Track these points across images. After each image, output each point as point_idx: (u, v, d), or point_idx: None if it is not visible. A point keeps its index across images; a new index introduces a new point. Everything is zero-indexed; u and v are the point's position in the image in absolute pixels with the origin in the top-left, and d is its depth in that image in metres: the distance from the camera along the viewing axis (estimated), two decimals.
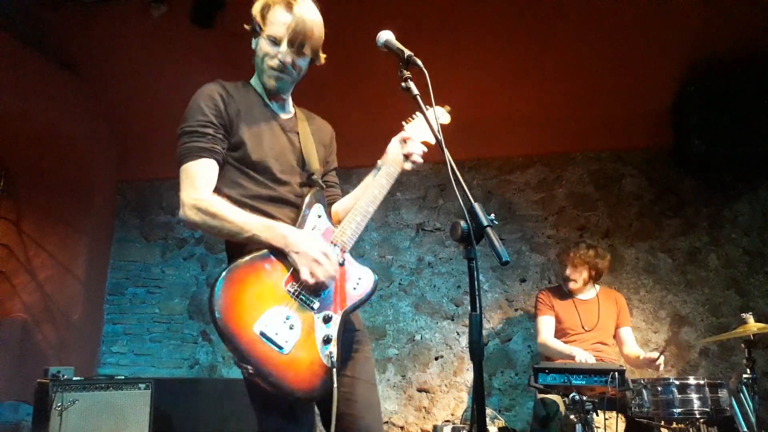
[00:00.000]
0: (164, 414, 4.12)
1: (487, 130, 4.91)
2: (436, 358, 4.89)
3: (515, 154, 5.11)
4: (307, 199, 1.89)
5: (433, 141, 2.07)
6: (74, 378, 3.82)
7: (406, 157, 2.04)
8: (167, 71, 5.06)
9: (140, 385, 3.99)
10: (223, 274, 1.66)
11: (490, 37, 4.51)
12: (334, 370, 1.66)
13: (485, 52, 4.59)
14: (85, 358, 5.18)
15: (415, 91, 1.73)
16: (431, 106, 1.71)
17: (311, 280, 1.71)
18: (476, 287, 1.51)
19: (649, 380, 3.22)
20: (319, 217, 1.89)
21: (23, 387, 4.65)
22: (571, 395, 3.03)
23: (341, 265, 1.81)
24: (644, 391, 3.19)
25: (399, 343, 4.97)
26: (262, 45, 1.91)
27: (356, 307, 1.82)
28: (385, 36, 1.82)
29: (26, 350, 4.99)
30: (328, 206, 2.01)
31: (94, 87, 5.31)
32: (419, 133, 2.09)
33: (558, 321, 4.08)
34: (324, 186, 2.01)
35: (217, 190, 1.81)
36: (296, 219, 1.85)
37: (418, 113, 2.08)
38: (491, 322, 4.86)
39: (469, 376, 4.80)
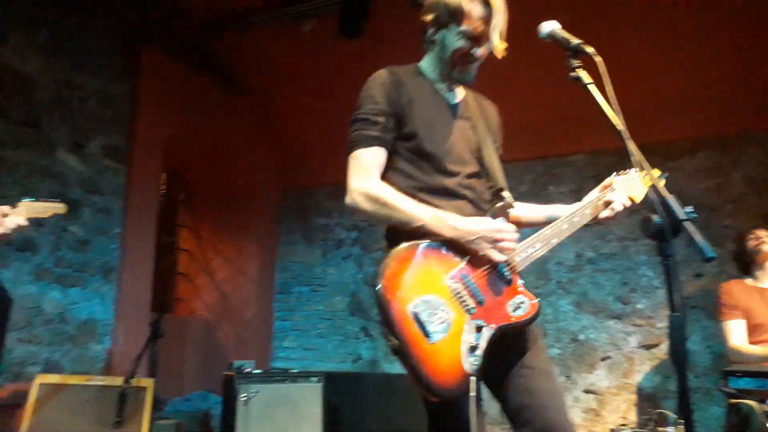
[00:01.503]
0: (333, 406, 4.31)
1: (648, 113, 4.55)
2: (603, 359, 4.65)
3: (681, 137, 4.69)
4: (490, 213, 1.82)
5: (639, 199, 1.98)
6: (255, 371, 4.13)
7: (606, 204, 1.92)
8: (319, 83, 5.32)
9: (312, 378, 4.21)
10: (394, 249, 1.68)
11: (652, 13, 4.20)
12: (474, 378, 1.60)
13: (645, 30, 4.28)
14: (260, 352, 5.60)
15: (587, 79, 1.64)
16: (607, 97, 1.59)
17: (500, 258, 1.70)
18: (675, 287, 1.40)
19: None
20: None
21: (209, 378, 5.12)
22: None
23: (507, 284, 1.75)
24: None
25: (561, 343, 4.79)
26: (453, 39, 1.86)
27: (513, 329, 1.72)
28: (550, 26, 1.75)
29: (210, 345, 5.49)
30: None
31: (255, 103, 5.73)
32: (627, 187, 1.98)
33: (748, 318, 3.67)
34: (511, 205, 1.89)
35: (384, 180, 1.81)
36: (467, 213, 1.81)
37: (630, 170, 2.00)
38: (665, 320, 4.52)
39: (639, 378, 4.50)
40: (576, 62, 1.66)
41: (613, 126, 1.58)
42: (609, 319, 4.68)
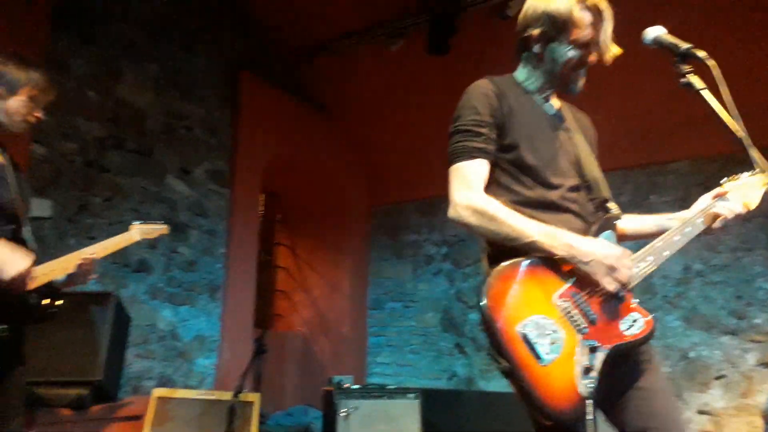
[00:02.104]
0: (431, 423, 4.29)
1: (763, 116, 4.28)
2: (718, 378, 4.35)
3: None
4: (596, 226, 1.75)
5: (754, 206, 1.83)
6: (353, 386, 4.19)
7: (716, 217, 1.78)
8: (407, 101, 5.40)
9: (409, 394, 4.22)
10: (497, 267, 1.61)
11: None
12: (590, 402, 1.50)
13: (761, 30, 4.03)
14: (356, 367, 5.69)
15: (700, 85, 1.57)
16: (723, 102, 1.52)
17: (612, 287, 1.60)
18: None
19: None
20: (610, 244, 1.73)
21: (308, 392, 5.25)
22: None
23: (620, 301, 1.65)
24: None
25: (670, 361, 4.53)
26: (564, 51, 1.80)
27: (628, 348, 1.63)
28: (655, 32, 1.68)
29: (308, 360, 5.64)
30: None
31: (345, 124, 5.90)
32: (740, 193, 1.85)
33: None
34: (618, 216, 1.82)
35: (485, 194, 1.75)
36: (574, 227, 1.73)
37: (742, 175, 1.86)
38: None
39: (762, 398, 4.17)
40: (686, 68, 1.59)
41: (731, 133, 1.51)
42: (723, 335, 4.39)
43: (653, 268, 1.71)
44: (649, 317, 1.65)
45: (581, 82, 1.84)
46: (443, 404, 4.44)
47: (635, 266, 1.67)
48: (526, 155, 1.77)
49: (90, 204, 4.12)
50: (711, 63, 1.51)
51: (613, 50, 1.79)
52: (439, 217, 5.78)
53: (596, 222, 1.76)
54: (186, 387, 4.43)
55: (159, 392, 3.46)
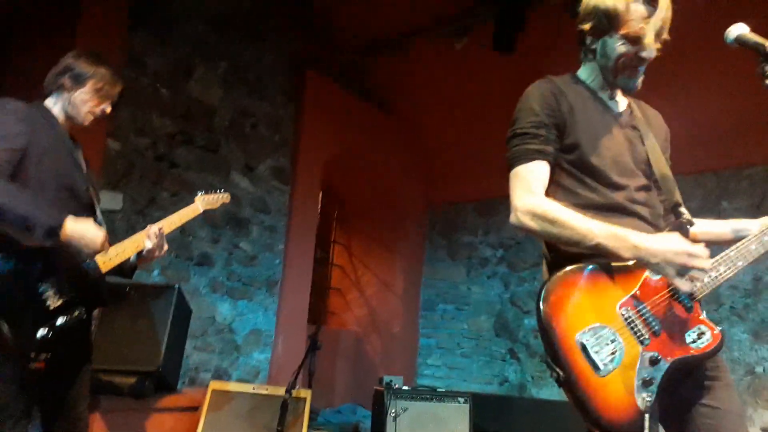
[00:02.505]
0: (481, 428, 4.25)
1: None
2: None
3: None
4: (667, 231, 1.66)
5: None
6: (403, 387, 4.19)
7: None
8: (470, 100, 5.34)
9: (459, 398, 4.18)
10: (558, 272, 1.58)
11: None
12: (648, 416, 1.46)
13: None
14: (406, 367, 5.70)
15: None
16: None
17: (686, 287, 1.52)
18: None
19: None
20: None
21: (358, 391, 5.29)
22: None
23: (687, 312, 1.60)
24: None
25: (735, 375, 4.33)
26: (615, 45, 1.75)
27: (692, 362, 1.56)
28: (738, 30, 1.59)
29: (359, 358, 5.69)
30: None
31: (406, 122, 5.89)
32: None
33: None
34: (691, 221, 1.73)
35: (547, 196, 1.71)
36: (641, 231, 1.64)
37: None
38: None
39: None
40: None
41: None
42: None
43: (726, 278, 1.63)
44: (717, 330, 1.58)
45: (639, 80, 1.77)
46: (494, 409, 4.39)
47: (707, 276, 1.59)
48: (588, 155, 1.71)
49: (158, 198, 4.28)
50: None
51: (654, 45, 1.72)
52: (496, 218, 5.71)
53: (667, 226, 1.70)
54: (241, 380, 4.54)
55: (215, 385, 3.55)
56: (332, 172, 5.64)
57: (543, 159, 1.71)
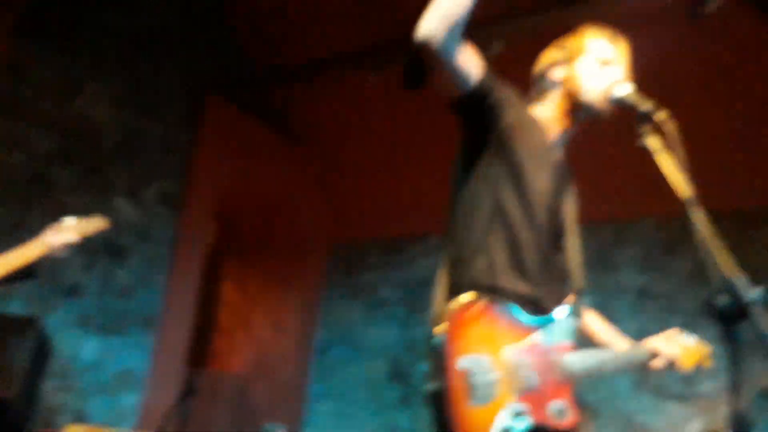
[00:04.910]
0: None
1: (726, 179, 4.36)
2: None
3: (762, 204, 4.43)
4: (566, 307, 1.70)
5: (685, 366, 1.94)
6: None
7: (656, 356, 1.87)
8: (380, 137, 5.33)
9: None
10: (462, 296, 1.56)
11: (731, 74, 4.08)
12: None
13: (726, 93, 4.15)
14: (293, 415, 5.40)
15: (656, 147, 1.56)
16: (679, 160, 1.52)
17: None
18: (739, 374, 1.33)
19: None
20: (570, 330, 1.70)
21: None
22: None
23: (564, 384, 1.62)
24: None
25: (615, 425, 4.44)
26: (586, 68, 1.81)
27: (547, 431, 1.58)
28: (622, 90, 1.69)
29: (242, 404, 5.33)
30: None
31: (313, 154, 5.79)
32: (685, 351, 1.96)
33: None
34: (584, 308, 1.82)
35: (473, 182, 1.70)
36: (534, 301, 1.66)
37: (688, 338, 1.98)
38: (745, 404, 4.15)
39: None
40: (645, 128, 1.59)
41: (677, 195, 1.49)
42: (670, 400, 4.34)
43: (600, 373, 1.76)
44: (578, 415, 1.61)
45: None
46: None
47: (587, 361, 1.68)
48: (524, 166, 1.67)
49: (27, 220, 3.89)
50: (670, 126, 1.52)
51: None
52: (400, 257, 5.65)
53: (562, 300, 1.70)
54: (105, 425, 4.09)
55: (71, 429, 3.19)
56: (229, 202, 5.38)
57: (480, 66, 1.62)
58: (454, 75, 1.60)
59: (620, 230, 4.81)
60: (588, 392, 4.55)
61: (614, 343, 1.91)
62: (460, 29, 1.54)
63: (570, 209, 1.84)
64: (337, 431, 5.31)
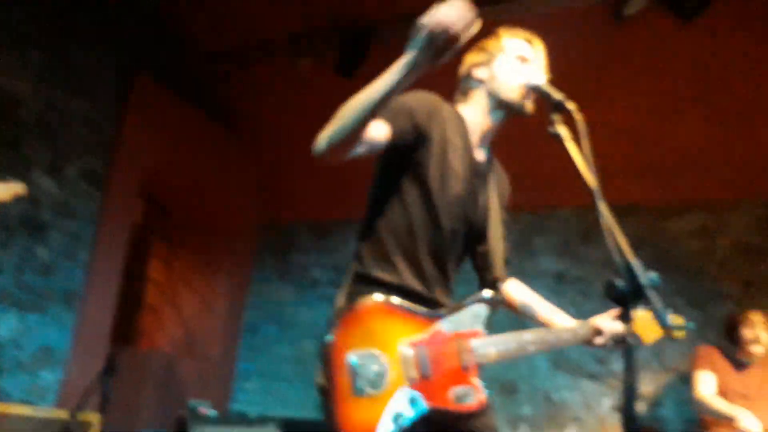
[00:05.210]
0: None
1: (641, 173, 4.57)
2: (575, 420, 4.49)
3: (672, 198, 4.68)
4: (474, 295, 1.76)
5: (647, 340, 1.96)
6: (210, 413, 3.95)
7: (600, 333, 1.87)
8: (311, 121, 5.29)
9: (270, 424, 4.03)
10: (361, 295, 1.66)
11: (649, 74, 4.24)
12: None
13: (641, 91, 4.31)
14: (221, 393, 5.39)
15: (565, 135, 1.62)
16: (583, 154, 1.58)
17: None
18: (631, 352, 1.40)
19: None
20: (478, 317, 1.75)
21: (166, 417, 4.89)
22: None
23: (464, 370, 1.68)
24: None
25: (533, 401, 4.64)
26: (506, 66, 1.88)
27: (448, 415, 1.65)
28: (537, 79, 1.77)
29: (169, 382, 5.28)
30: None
31: (243, 137, 5.71)
32: (641, 325, 1.97)
33: (717, 384, 3.59)
34: (502, 300, 1.88)
35: (386, 198, 1.77)
36: (443, 293, 1.78)
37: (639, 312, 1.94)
38: (639, 384, 4.39)
39: None
40: (557, 117, 1.65)
41: (587, 185, 1.56)
42: (585, 378, 4.55)
43: (512, 357, 1.75)
44: (483, 397, 1.68)
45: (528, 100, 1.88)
46: None
47: (495, 347, 1.71)
48: (432, 183, 1.74)
49: None
50: (578, 117, 1.57)
51: None
52: (330, 240, 5.69)
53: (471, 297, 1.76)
54: (24, 402, 4.00)
55: None
56: (157, 181, 5.27)
57: (384, 121, 1.65)
58: (365, 151, 1.66)
59: (540, 219, 4.98)
60: (508, 371, 4.74)
61: (556, 321, 1.93)
62: (354, 146, 1.59)
63: (494, 203, 1.92)
64: (264, 408, 5.34)
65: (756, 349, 3.55)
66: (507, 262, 1.99)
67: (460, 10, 1.43)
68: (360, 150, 1.62)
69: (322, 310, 5.56)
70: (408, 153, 1.75)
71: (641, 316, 1.93)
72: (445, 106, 1.85)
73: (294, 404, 5.33)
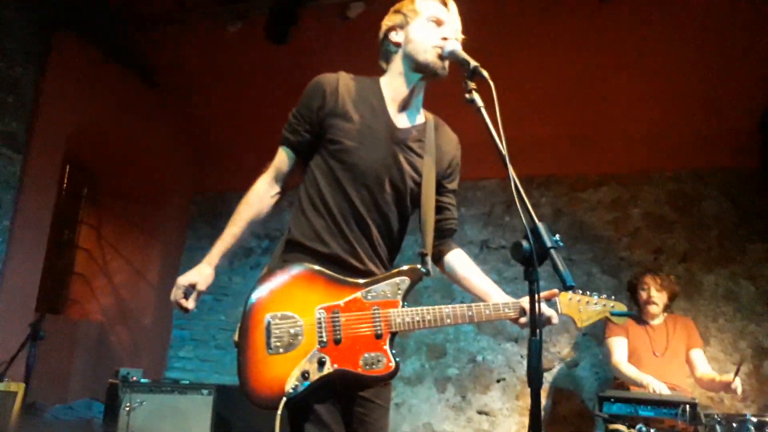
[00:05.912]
0: (224, 420, 4.20)
1: (559, 145, 4.78)
2: (498, 381, 4.75)
3: (588, 171, 4.92)
4: (398, 269, 1.80)
5: (580, 324, 1.92)
6: (142, 380, 3.97)
7: (525, 314, 1.81)
8: (240, 87, 5.23)
9: (203, 390, 4.09)
10: (285, 259, 1.80)
11: (565, 49, 4.40)
12: (285, 399, 1.62)
13: (559, 66, 4.47)
14: (154, 361, 5.38)
15: (480, 103, 1.63)
16: (496, 120, 1.58)
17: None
18: (536, 311, 1.44)
19: (724, 415, 2.98)
20: (399, 288, 1.78)
21: (98, 386, 4.86)
22: (638, 427, 2.85)
23: (376, 337, 1.73)
24: (718, 427, 2.95)
25: (459, 363, 4.87)
26: (420, 29, 1.89)
27: (356, 379, 1.70)
28: (453, 45, 1.79)
29: (102, 351, 5.24)
30: (440, 234, 1.97)
31: (173, 101, 5.56)
32: (572, 307, 1.92)
33: (628, 345, 3.88)
34: (428, 272, 1.83)
35: (305, 182, 1.89)
36: (361, 261, 1.81)
37: (571, 294, 1.90)
38: (557, 345, 4.68)
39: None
40: (472, 84, 1.65)
41: (499, 152, 1.57)
42: (507, 341, 4.80)
43: (427, 327, 1.79)
44: (393, 365, 1.72)
45: (442, 61, 1.87)
46: (239, 401, 4.33)
47: (410, 317, 1.74)
48: (346, 157, 1.81)
49: None
50: (491, 83, 1.57)
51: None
52: None
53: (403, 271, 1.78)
54: None
55: None
56: (83, 145, 5.10)
57: (288, 146, 1.91)
58: (287, 176, 1.99)
59: (467, 189, 5.13)
60: (436, 334, 4.94)
61: (492, 296, 1.89)
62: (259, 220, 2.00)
63: (428, 169, 1.90)
64: (198, 376, 5.37)
65: (652, 309, 3.85)
66: (451, 231, 2.04)
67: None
68: (282, 184, 1.97)
69: (255, 278, 5.59)
70: (316, 142, 1.88)
71: (572, 298, 1.90)
72: (343, 80, 1.88)
73: (228, 371, 5.38)
